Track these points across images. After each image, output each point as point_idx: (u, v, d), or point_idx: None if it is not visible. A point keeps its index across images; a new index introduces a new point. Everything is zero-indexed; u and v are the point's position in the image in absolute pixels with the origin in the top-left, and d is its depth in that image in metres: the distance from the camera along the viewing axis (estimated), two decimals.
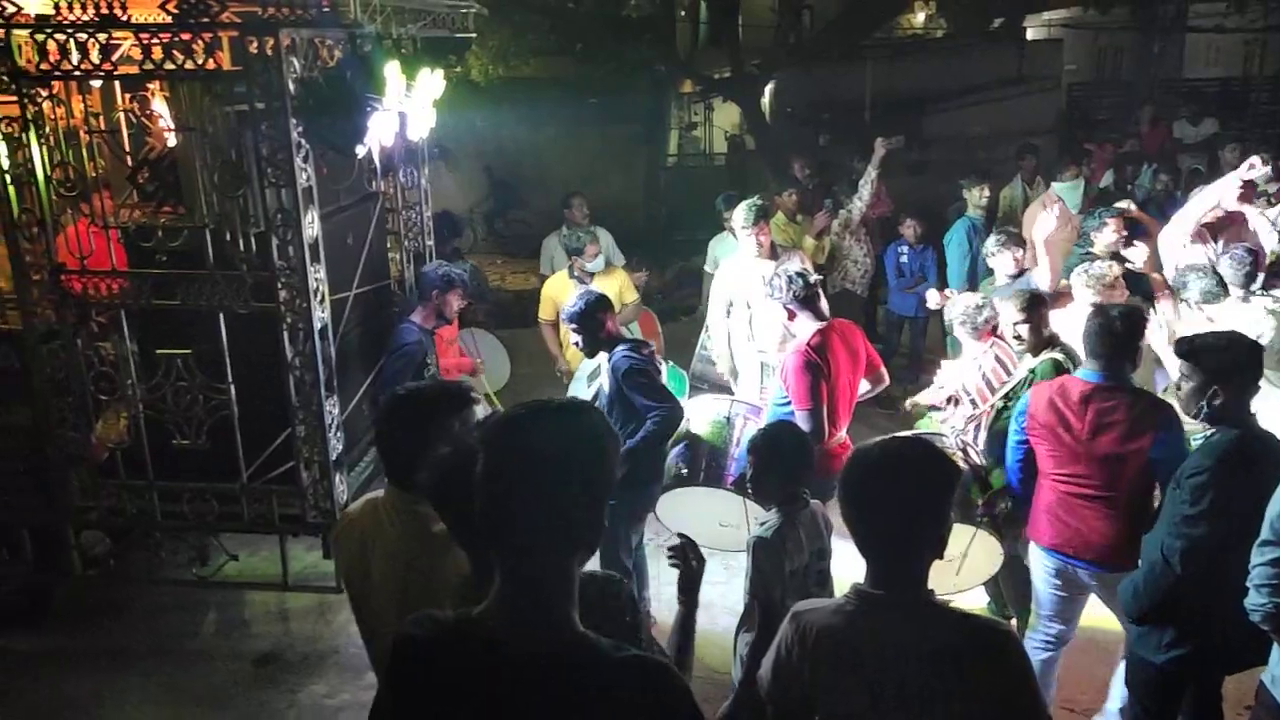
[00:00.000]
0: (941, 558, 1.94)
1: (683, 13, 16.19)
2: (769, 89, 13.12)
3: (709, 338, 5.76)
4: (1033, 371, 3.97)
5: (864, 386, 4.44)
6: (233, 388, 4.01)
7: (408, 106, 4.16)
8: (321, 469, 4.16)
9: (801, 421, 3.95)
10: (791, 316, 4.15)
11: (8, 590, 4.49)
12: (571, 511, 1.45)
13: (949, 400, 4.52)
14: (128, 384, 4.07)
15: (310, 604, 4.78)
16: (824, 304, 4.23)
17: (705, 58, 14.83)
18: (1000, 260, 5.36)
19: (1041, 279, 5.16)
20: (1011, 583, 4.19)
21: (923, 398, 4.88)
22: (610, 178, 14.02)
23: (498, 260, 13.72)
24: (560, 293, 5.91)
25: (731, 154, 16.21)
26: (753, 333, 5.20)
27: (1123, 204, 5.89)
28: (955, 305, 4.55)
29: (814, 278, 4.26)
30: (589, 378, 5.03)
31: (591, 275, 5.80)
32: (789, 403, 4.09)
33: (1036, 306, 4.06)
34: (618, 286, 5.88)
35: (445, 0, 5.08)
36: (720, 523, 3.96)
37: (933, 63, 13.74)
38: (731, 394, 5.16)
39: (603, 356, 4.26)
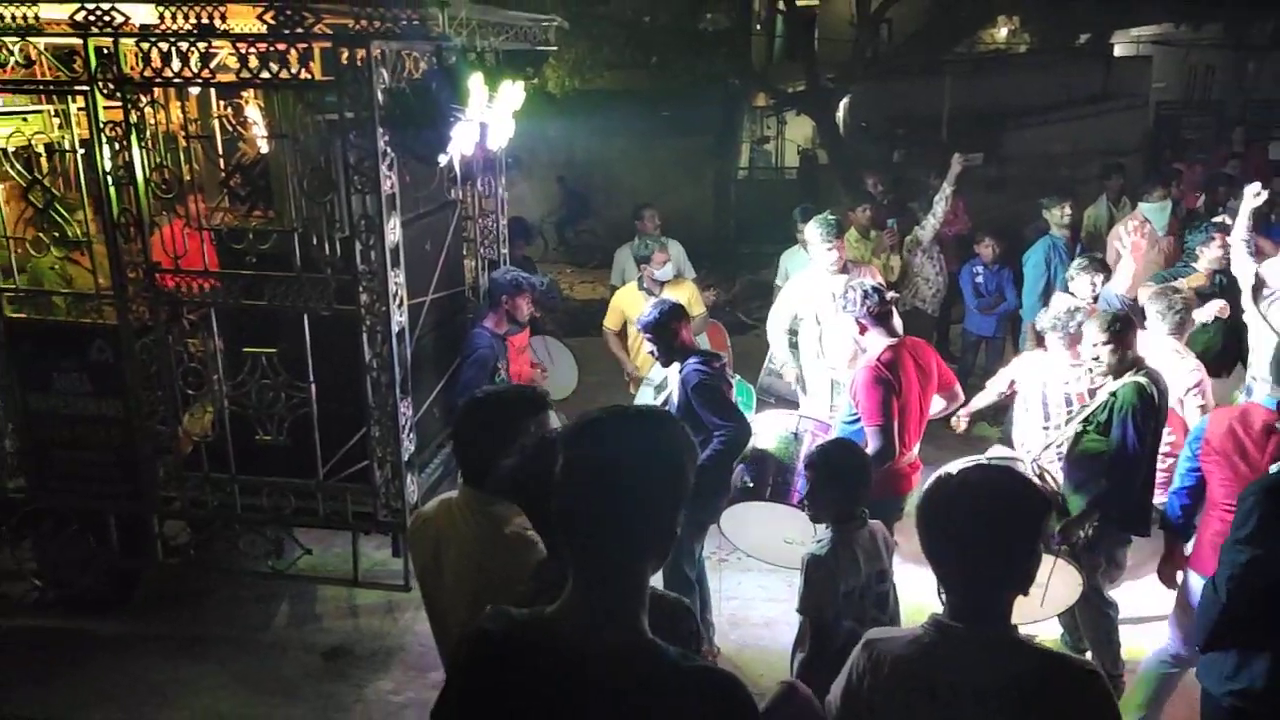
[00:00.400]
0: (1027, 593, 1.86)
1: (758, 26, 16.19)
2: (844, 103, 13.01)
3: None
4: (1114, 395, 3.85)
5: (938, 404, 4.36)
6: (313, 387, 4.13)
7: (488, 117, 4.24)
8: (394, 469, 4.25)
9: (872, 438, 3.89)
10: (863, 331, 4.11)
11: (94, 576, 4.69)
12: (645, 519, 1.46)
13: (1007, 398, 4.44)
14: (214, 380, 4.22)
15: (378, 601, 4.89)
16: (897, 321, 4.17)
17: (780, 71, 14.79)
18: (1080, 284, 5.25)
19: (1118, 286, 5.05)
20: (1088, 616, 4.05)
21: (978, 401, 4.81)
22: (680, 190, 14.07)
23: (566, 269, 13.87)
24: (629, 303, 5.95)
25: (803, 168, 16.15)
26: (822, 349, 5.15)
27: (1220, 218, 5.74)
28: (1050, 308, 4.51)
29: (890, 295, 4.22)
30: (656, 388, 5.05)
31: (661, 286, 5.81)
32: (858, 419, 4.04)
33: (1122, 328, 3.94)
34: (686, 299, 5.87)
35: (527, 13, 5.17)
36: (785, 539, 3.92)
37: (1015, 78, 13.47)
38: (799, 408, 5.12)
39: (673, 367, 4.28)
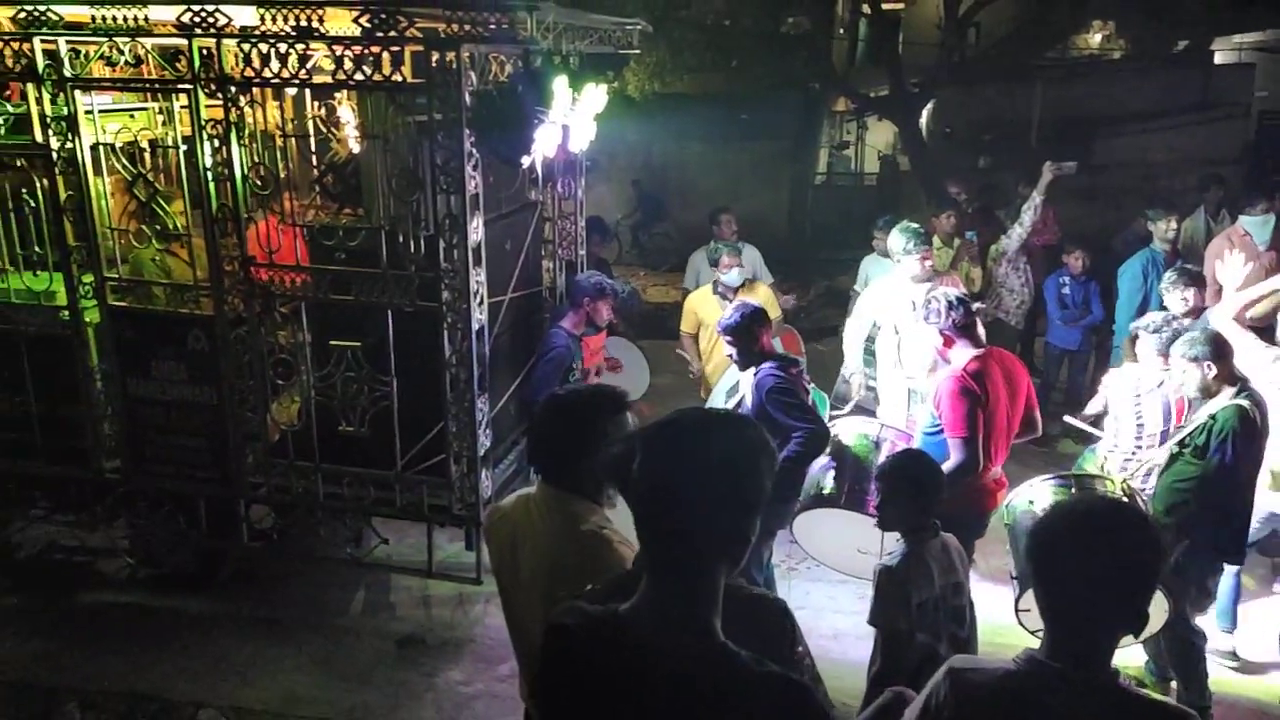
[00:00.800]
0: (1138, 635, 1.74)
1: (841, 29, 16.00)
2: (928, 108, 12.77)
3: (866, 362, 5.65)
4: (1213, 418, 3.70)
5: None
6: (395, 380, 4.23)
7: (571, 120, 4.29)
8: (469, 464, 4.32)
9: (955, 451, 3.80)
10: (948, 343, 4.01)
11: (183, 555, 4.89)
12: (721, 522, 1.46)
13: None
14: (302, 371, 4.36)
15: (450, 592, 4.98)
16: (981, 331, 4.08)
17: (861, 75, 14.60)
18: (1173, 299, 5.05)
19: (1221, 316, 4.81)
20: (1174, 644, 3.90)
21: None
22: (756, 194, 14.00)
23: (640, 272, 13.92)
24: (702, 307, 5.95)
25: (884, 174, 15.89)
26: (900, 358, 5.06)
27: None
28: (1144, 317, 4.39)
29: (977, 305, 4.12)
30: (728, 392, 5.03)
31: (735, 290, 5.79)
32: (940, 430, 3.94)
33: (1218, 349, 3.78)
34: (762, 303, 5.85)
35: (612, 17, 5.21)
36: (859, 549, 3.87)
37: (1109, 85, 13.07)
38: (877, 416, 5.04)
39: (748, 371, 4.26)
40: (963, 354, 3.97)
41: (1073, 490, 3.84)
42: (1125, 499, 3.71)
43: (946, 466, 3.67)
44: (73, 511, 4.90)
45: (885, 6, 13.16)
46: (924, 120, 12.76)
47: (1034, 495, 3.92)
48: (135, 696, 4.18)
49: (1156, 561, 1.77)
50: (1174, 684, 3.99)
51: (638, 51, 5.86)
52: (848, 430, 4.27)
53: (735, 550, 1.50)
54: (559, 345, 4.89)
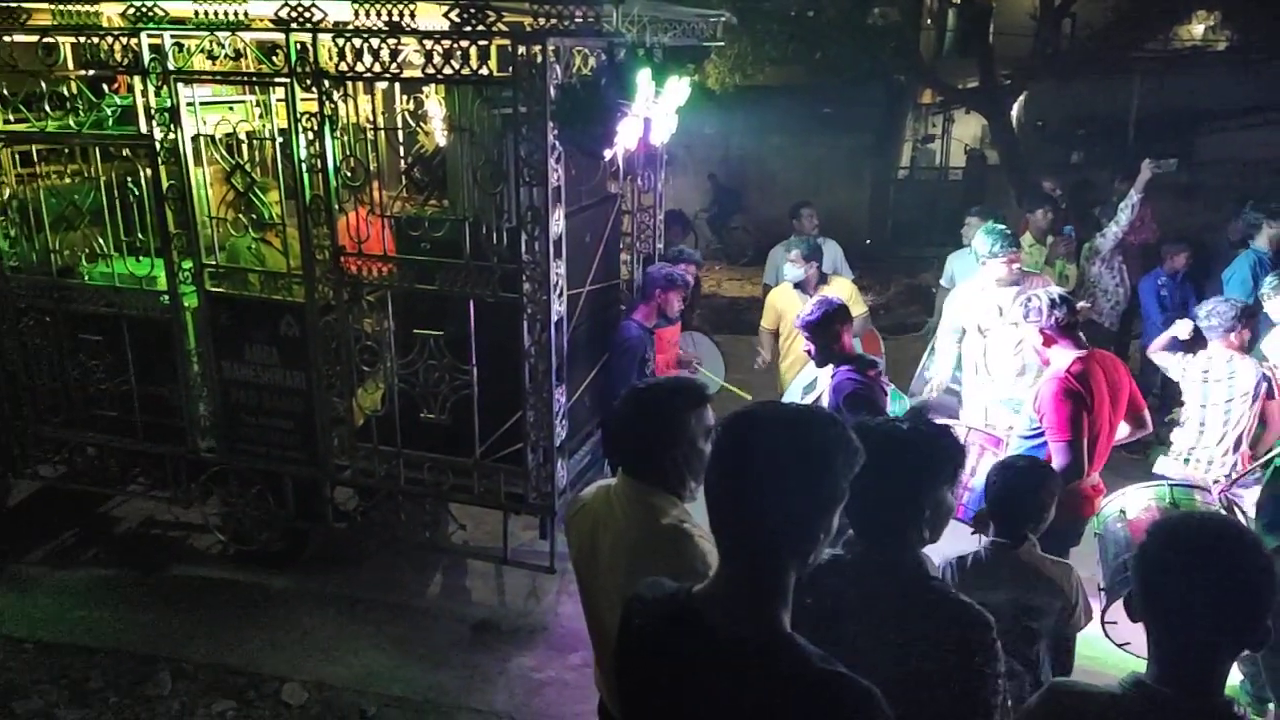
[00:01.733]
0: (1257, 649, 1.67)
1: (929, 20, 15.63)
2: (1019, 101, 12.38)
3: (932, 359, 5.52)
4: None
5: (1122, 430, 4.07)
6: (475, 370, 4.30)
7: (653, 112, 4.29)
8: (546, 453, 4.37)
9: (1058, 454, 3.67)
10: (1049, 342, 3.87)
11: (271, 534, 5.07)
12: (793, 517, 1.47)
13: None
14: (387, 358, 4.46)
15: (524, 580, 5.05)
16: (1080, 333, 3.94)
17: (949, 67, 14.23)
18: (1273, 305, 4.80)
19: None
20: (1273, 663, 3.71)
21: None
22: (835, 189, 13.82)
23: (715, 266, 13.87)
24: (784, 302, 5.88)
25: (970, 168, 15.49)
26: (986, 363, 4.90)
27: None
28: (1208, 303, 4.22)
29: (1080, 304, 3.97)
30: (805, 388, 4.97)
31: (816, 286, 5.71)
32: (1039, 434, 3.81)
33: None
34: (845, 299, 5.76)
35: (695, 9, 5.19)
36: (946, 556, 3.77)
37: (1212, 78, 12.44)
38: (959, 420, 4.91)
39: (826, 369, 4.20)
40: (1065, 355, 3.83)
41: (1167, 499, 3.69)
42: (1223, 509, 3.55)
43: None
44: (169, 488, 5.13)
45: None
46: (1015, 113, 12.37)
47: (1126, 504, 3.78)
48: (224, 668, 4.35)
49: (1271, 580, 1.66)
50: (1271, 706, 3.81)
51: (721, 43, 5.83)
52: None
53: (805, 547, 1.50)
54: (631, 337, 4.91)
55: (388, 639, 4.61)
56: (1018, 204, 10.01)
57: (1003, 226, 5.00)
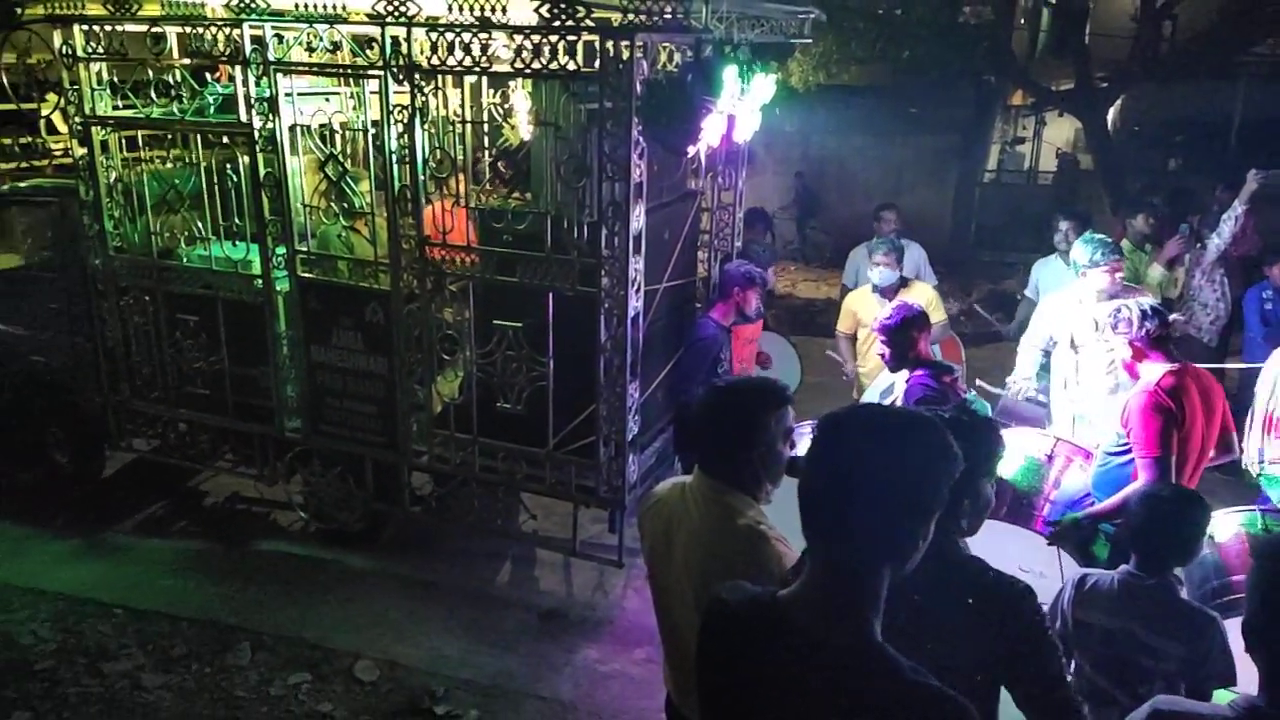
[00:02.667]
0: None
1: (1022, 20, 15.20)
2: (1116, 105, 11.94)
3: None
4: None
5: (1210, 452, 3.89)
6: (551, 362, 4.35)
7: (738, 110, 4.27)
8: (617, 447, 4.39)
9: (1145, 471, 3.53)
10: (1138, 355, 3.73)
11: (351, 514, 5.21)
12: (888, 522, 1.44)
13: None
14: (467, 348, 4.54)
15: (591, 572, 5.09)
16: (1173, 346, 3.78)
17: (1042, 68, 13.82)
18: None
19: None
20: None
21: None
22: (919, 191, 13.56)
23: (791, 267, 13.74)
24: (861, 306, 5.79)
25: (1061, 172, 15.02)
26: (1078, 379, 4.72)
27: None
28: None
29: (1173, 316, 3.81)
30: (882, 393, 4.88)
31: (895, 291, 5.59)
32: (1126, 450, 3.67)
33: None
34: (925, 304, 5.64)
35: (784, 6, 5.14)
36: (1020, 566, 3.67)
37: None
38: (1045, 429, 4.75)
39: (902, 375, 4.12)
40: (1155, 368, 3.68)
41: (1258, 525, 3.52)
42: None
43: (1134, 489, 3.43)
44: (255, 466, 5.31)
45: None
46: (1110, 117, 11.95)
47: (1214, 529, 3.61)
48: (301, 642, 4.49)
49: None
50: None
51: (808, 41, 5.76)
52: (1017, 444, 4.04)
53: (902, 553, 1.47)
54: (707, 335, 4.89)
55: (458, 623, 4.70)
56: (1111, 211, 9.67)
57: (1104, 236, 4.78)
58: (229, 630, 4.58)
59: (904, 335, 4.00)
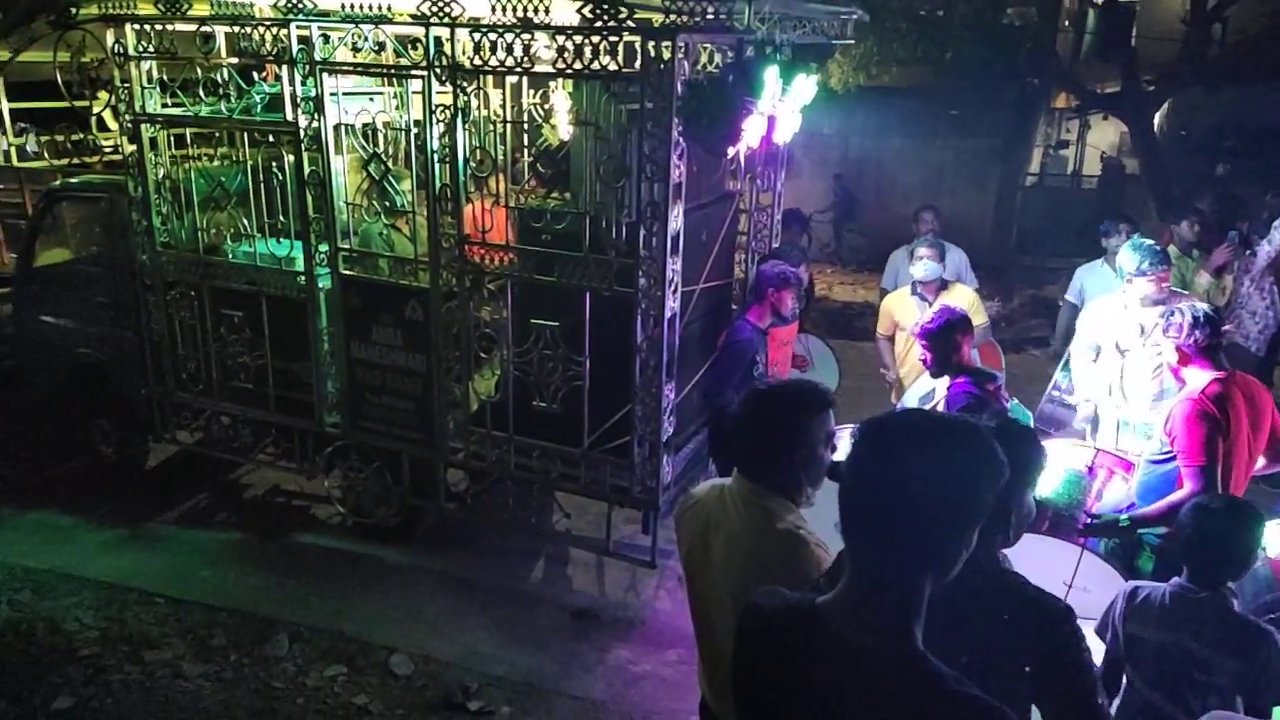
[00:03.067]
0: None
1: (1066, 22, 14.97)
2: (1163, 108, 11.72)
3: (1065, 378, 5.26)
4: None
5: (1259, 462, 3.80)
6: (587, 361, 4.36)
7: (779, 111, 4.25)
8: (652, 448, 4.39)
9: (1190, 480, 3.46)
10: (1184, 360, 3.65)
11: (388, 509, 5.26)
12: (931, 531, 1.41)
13: None
14: (503, 346, 4.57)
15: (624, 572, 5.10)
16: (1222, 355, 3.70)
17: (1087, 70, 13.60)
18: None
19: None
20: None
21: None
22: (959, 194, 13.40)
23: (827, 269, 13.66)
24: (899, 309, 5.72)
25: (1106, 177, 14.77)
26: (1123, 386, 4.63)
27: None
28: None
29: (1225, 326, 3.72)
30: (921, 398, 4.83)
31: (935, 293, 5.52)
32: (1169, 458, 3.60)
33: None
34: (966, 307, 5.56)
35: (827, 6, 5.10)
36: (1064, 582, 3.60)
37: None
38: (1082, 440, 4.67)
39: (943, 380, 4.07)
40: (1201, 375, 3.60)
41: None
42: None
43: (1178, 497, 3.37)
44: (295, 460, 5.39)
45: None
46: (1157, 121, 11.73)
47: (1268, 541, 3.53)
48: (338, 635, 4.54)
49: None
50: None
51: (850, 41, 5.71)
52: (1055, 458, 3.96)
53: (945, 562, 1.44)
54: (743, 338, 4.86)
55: (492, 619, 4.73)
56: (1158, 216, 9.50)
57: (1151, 242, 4.67)
58: (267, 621, 4.65)
59: (947, 339, 3.93)
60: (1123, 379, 4.60)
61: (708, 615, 2.31)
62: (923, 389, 4.74)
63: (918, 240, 5.97)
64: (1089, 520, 3.60)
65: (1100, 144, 16.25)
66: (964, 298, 5.58)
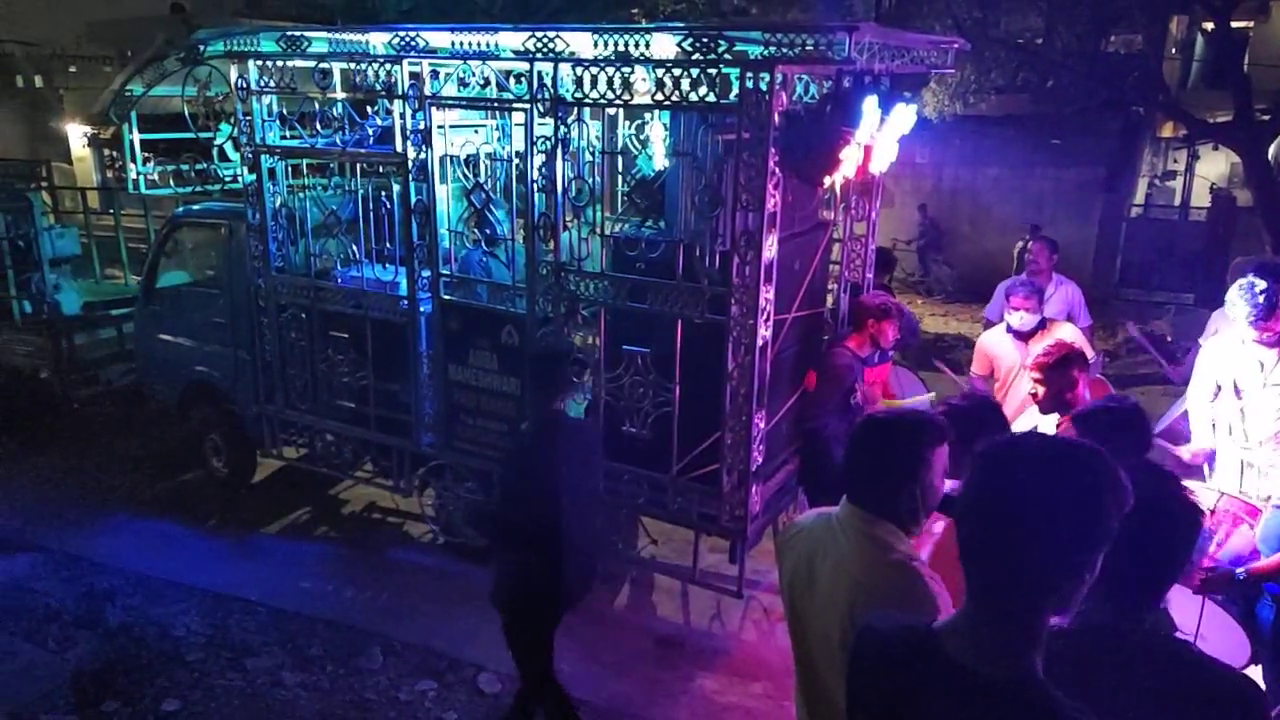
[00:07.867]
0: None
1: (1174, 50, 14.48)
2: (1278, 139, 11.19)
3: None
4: None
5: None
6: (678, 388, 4.39)
7: (876, 141, 4.22)
8: (741, 477, 4.38)
9: None
10: None
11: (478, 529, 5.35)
12: (1057, 559, 1.39)
13: None
14: (595, 371, 4.64)
15: (709, 601, 5.07)
16: None
17: (1195, 99, 13.10)
18: None
19: None
20: None
21: None
22: (1058, 225, 13.01)
23: (916, 300, 13.41)
24: (996, 348, 5.48)
25: (1215, 209, 14.15)
26: (1244, 427, 4.38)
27: None
28: None
29: None
30: None
31: (1030, 334, 5.28)
32: None
33: None
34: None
35: (928, 35, 5.07)
36: (1184, 632, 3.44)
37: None
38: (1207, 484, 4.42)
39: (1050, 419, 3.93)
40: None
41: None
42: None
43: None
44: (392, 478, 5.55)
45: (1234, 24, 11.71)
46: (1272, 151, 11.19)
47: None
48: (429, 651, 4.65)
49: None
50: None
51: (951, 71, 5.65)
52: None
53: (1067, 589, 1.42)
54: (842, 363, 4.80)
55: (576, 642, 4.73)
56: (1273, 250, 9.05)
57: (1263, 284, 4.17)
58: (361, 634, 4.79)
59: (1063, 374, 3.77)
60: (1244, 420, 4.36)
61: (809, 645, 2.28)
62: (1025, 425, 4.59)
63: (1016, 281, 5.72)
64: (1205, 574, 3.43)
65: (1210, 175, 15.60)
66: (1069, 336, 5.35)
